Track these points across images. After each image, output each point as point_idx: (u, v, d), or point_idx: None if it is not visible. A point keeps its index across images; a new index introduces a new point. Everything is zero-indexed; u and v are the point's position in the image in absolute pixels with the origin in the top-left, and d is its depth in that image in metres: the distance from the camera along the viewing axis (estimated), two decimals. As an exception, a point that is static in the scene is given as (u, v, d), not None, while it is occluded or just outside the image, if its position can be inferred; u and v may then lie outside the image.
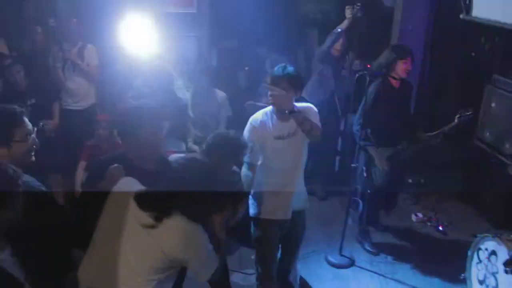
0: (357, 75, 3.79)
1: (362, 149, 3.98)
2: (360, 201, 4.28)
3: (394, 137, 3.99)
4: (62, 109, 4.97)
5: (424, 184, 5.28)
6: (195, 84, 4.71)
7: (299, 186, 3.20)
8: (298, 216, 3.23)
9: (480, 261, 3.34)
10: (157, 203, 1.97)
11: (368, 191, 4.10)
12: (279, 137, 2.98)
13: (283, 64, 2.95)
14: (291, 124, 2.96)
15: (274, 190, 3.05)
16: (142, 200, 2.01)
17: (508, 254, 2.97)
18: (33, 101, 4.53)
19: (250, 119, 3.05)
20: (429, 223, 4.67)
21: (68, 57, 4.84)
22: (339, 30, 4.55)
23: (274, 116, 2.99)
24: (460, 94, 5.44)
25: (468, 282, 3.46)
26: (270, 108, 3.02)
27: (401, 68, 3.80)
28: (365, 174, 4.02)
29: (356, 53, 5.05)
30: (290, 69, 2.91)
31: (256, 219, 3.17)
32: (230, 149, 2.69)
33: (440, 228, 4.57)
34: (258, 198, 3.10)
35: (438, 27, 5.37)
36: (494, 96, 4.70)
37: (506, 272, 2.97)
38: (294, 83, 2.90)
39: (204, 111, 4.74)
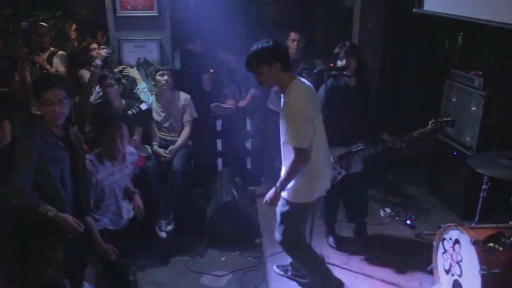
0: (315, 70, 3.82)
1: None
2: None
3: (347, 137, 3.92)
4: (31, 114, 5.04)
5: (391, 179, 5.35)
6: (159, 87, 4.66)
7: None
8: None
9: (446, 251, 3.39)
10: None
11: None
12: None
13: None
14: None
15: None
16: None
17: (470, 241, 3.02)
18: None
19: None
20: (397, 218, 4.72)
21: (36, 61, 4.85)
22: None
23: None
24: (422, 91, 5.56)
25: (434, 272, 3.51)
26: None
27: (339, 65, 3.78)
28: None
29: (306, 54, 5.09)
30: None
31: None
32: None
33: (408, 222, 4.61)
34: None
35: (397, 23, 5.45)
36: (454, 90, 4.81)
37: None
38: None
39: (168, 114, 4.70)
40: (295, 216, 3.27)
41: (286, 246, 3.41)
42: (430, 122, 3.81)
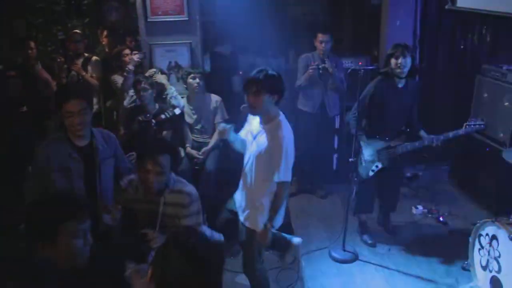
0: (348, 70, 3.87)
1: (355, 137, 4.01)
2: (354, 188, 4.26)
3: (387, 132, 3.99)
4: None
5: (422, 176, 5.34)
6: (190, 90, 4.75)
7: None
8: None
9: (482, 247, 3.38)
10: None
11: (355, 178, 4.13)
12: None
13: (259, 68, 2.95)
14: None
15: None
16: None
17: (509, 237, 3.01)
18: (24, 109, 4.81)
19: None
20: (429, 215, 4.71)
21: (72, 68, 5.04)
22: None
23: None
24: (453, 88, 5.52)
25: (471, 269, 3.50)
26: None
27: (393, 64, 3.82)
28: (353, 161, 4.05)
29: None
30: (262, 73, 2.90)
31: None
32: None
33: (441, 219, 4.61)
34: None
35: (425, 21, 5.44)
36: (485, 85, 4.77)
37: None
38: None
39: (200, 116, 4.78)
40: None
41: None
42: (465, 124, 3.87)
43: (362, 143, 4.04)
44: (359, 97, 3.92)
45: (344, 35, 6.51)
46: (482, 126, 3.92)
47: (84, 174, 2.98)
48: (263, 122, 3.00)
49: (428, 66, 5.56)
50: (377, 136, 4.00)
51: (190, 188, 2.90)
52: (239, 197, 3.25)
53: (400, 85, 3.92)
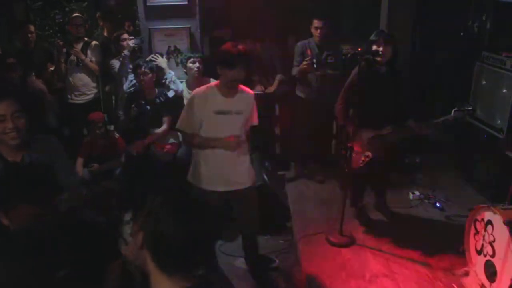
0: (348, 55, 3.86)
1: (343, 127, 4.02)
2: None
3: (376, 120, 3.96)
4: (64, 103, 5.33)
5: (420, 163, 5.36)
6: (190, 74, 4.75)
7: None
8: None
9: (477, 232, 3.42)
10: None
11: (346, 169, 4.15)
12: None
13: None
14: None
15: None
16: None
17: (503, 221, 3.05)
18: None
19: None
20: (426, 201, 4.75)
21: (72, 52, 5.03)
22: None
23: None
24: (452, 74, 5.52)
25: (466, 253, 3.55)
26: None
27: (374, 50, 3.80)
28: (342, 152, 4.07)
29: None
30: None
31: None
32: None
33: (438, 204, 4.64)
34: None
35: (426, 5, 5.41)
36: (484, 72, 4.78)
37: None
38: None
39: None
40: None
41: None
42: (454, 110, 3.80)
43: (350, 133, 3.97)
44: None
45: (345, 21, 6.48)
46: (470, 110, 3.86)
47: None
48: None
49: (427, 51, 5.55)
50: (365, 126, 3.93)
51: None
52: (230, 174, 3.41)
53: (382, 71, 3.91)
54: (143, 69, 4.43)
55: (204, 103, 3.23)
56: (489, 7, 4.86)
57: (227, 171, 3.39)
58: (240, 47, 3.12)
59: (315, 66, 4.76)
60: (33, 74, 5.12)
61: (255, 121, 3.52)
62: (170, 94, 4.68)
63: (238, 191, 3.47)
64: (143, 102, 4.56)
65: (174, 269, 1.51)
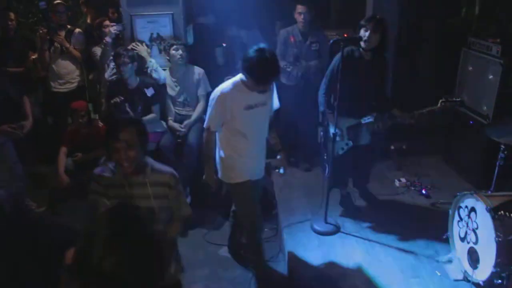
0: (331, 41, 3.78)
1: (323, 115, 3.97)
2: (326, 166, 4.17)
3: (357, 108, 3.90)
4: (48, 92, 5.29)
5: (406, 149, 5.34)
6: (173, 62, 4.67)
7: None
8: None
9: (461, 219, 3.41)
10: None
11: (325, 156, 4.10)
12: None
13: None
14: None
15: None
16: None
17: (486, 209, 3.03)
18: None
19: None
20: (412, 188, 4.73)
21: (56, 40, 4.93)
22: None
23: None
24: (438, 60, 5.49)
25: (450, 240, 3.54)
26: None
27: (362, 35, 3.72)
28: (322, 140, 4.05)
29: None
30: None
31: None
32: None
33: (423, 191, 4.63)
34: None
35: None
36: (470, 58, 4.75)
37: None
38: None
39: (183, 88, 4.72)
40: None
41: None
42: (440, 101, 3.74)
43: (330, 121, 3.91)
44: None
45: (332, 8, 6.41)
46: (458, 101, 3.81)
47: None
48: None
49: (414, 37, 5.50)
50: (347, 113, 3.86)
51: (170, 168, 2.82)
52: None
53: (366, 58, 3.84)
54: (122, 59, 4.34)
55: (234, 100, 3.22)
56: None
57: (259, 161, 3.57)
58: (277, 68, 3.16)
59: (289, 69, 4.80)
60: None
61: (276, 104, 3.71)
62: (149, 92, 4.57)
63: (259, 180, 3.60)
64: (122, 98, 4.48)
65: None
